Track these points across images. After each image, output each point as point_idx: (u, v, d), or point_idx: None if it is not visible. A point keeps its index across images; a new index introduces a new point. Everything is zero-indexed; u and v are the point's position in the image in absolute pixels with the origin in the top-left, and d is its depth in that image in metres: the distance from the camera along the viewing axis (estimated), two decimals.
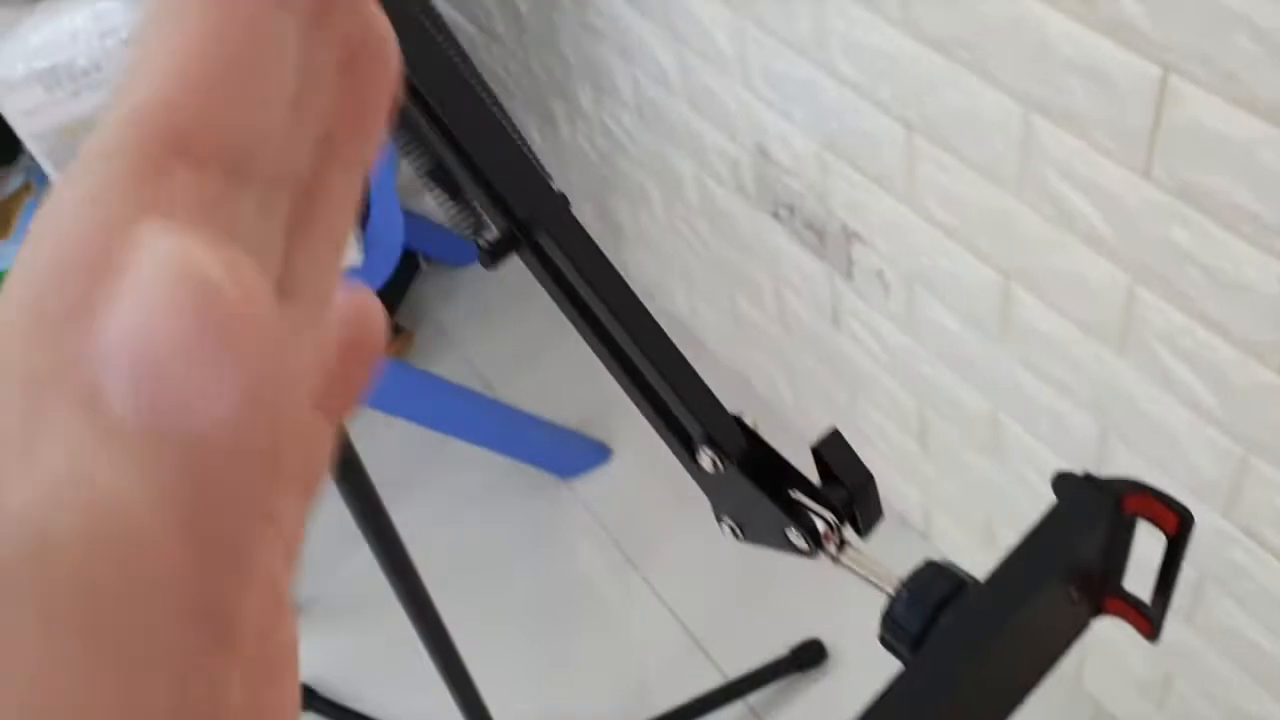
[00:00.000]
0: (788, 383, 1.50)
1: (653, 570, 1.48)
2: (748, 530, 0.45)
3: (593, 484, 1.58)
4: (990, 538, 1.26)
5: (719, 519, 0.46)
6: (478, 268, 1.84)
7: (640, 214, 1.63)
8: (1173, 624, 0.92)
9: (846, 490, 0.42)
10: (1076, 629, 0.43)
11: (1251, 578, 0.93)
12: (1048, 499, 0.41)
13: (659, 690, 1.32)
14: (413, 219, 1.79)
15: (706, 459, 0.43)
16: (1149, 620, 0.44)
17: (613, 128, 1.55)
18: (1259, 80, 0.68)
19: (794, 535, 0.42)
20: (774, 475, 0.43)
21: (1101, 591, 0.43)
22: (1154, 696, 1.14)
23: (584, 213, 1.80)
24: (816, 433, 1.38)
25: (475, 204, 0.45)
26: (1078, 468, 1.05)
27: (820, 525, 0.42)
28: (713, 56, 1.22)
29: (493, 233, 0.44)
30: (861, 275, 1.19)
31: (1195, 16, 0.69)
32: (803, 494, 0.43)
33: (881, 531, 1.33)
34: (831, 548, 0.42)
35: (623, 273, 1.40)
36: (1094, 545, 0.40)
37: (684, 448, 0.44)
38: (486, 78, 1.77)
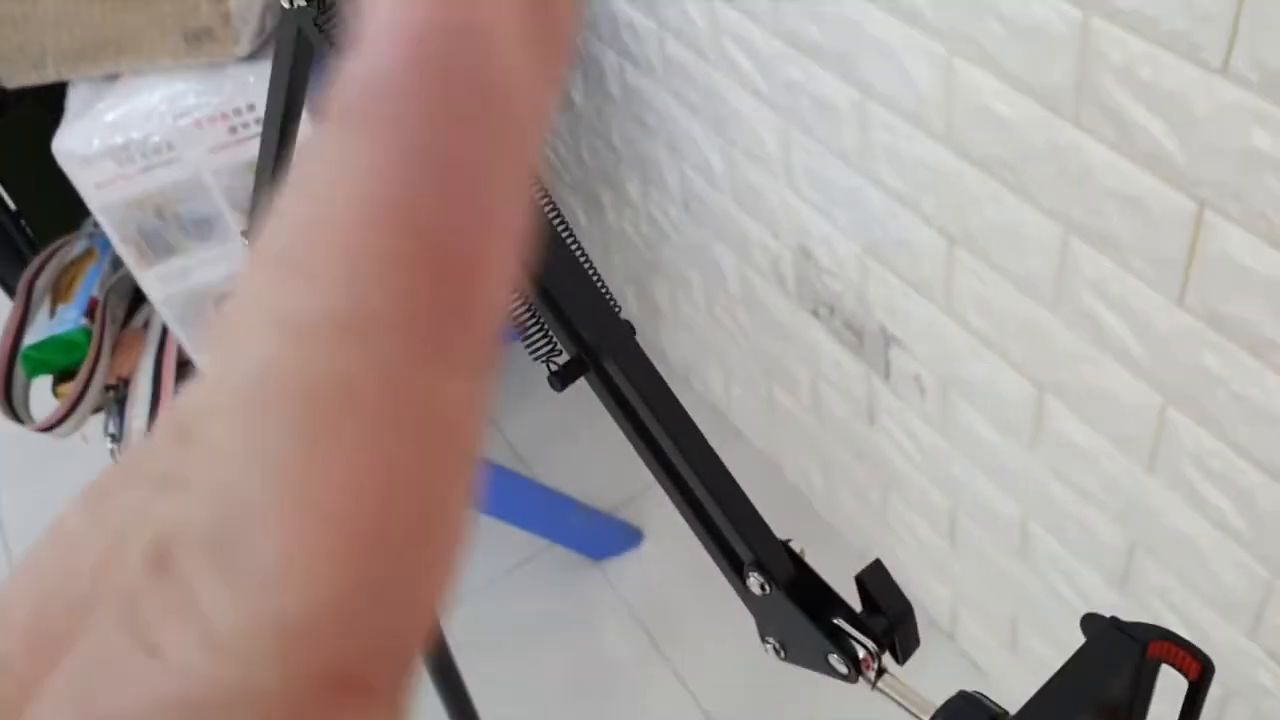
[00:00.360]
0: (820, 474, 1.52)
1: (679, 657, 1.49)
2: (790, 651, 0.47)
3: (623, 567, 1.60)
4: (1014, 641, 1.26)
5: (763, 639, 0.48)
6: (515, 348, 1.88)
7: (680, 299, 1.66)
8: None
9: (887, 619, 0.44)
10: None
11: (1276, 698, 0.93)
12: (1073, 606, 0.43)
13: None
14: None
15: (755, 582, 0.45)
16: None
17: (658, 217, 1.59)
18: None
19: (836, 661, 0.44)
20: (819, 601, 0.45)
21: None
22: None
23: (625, 295, 1.84)
24: (848, 524, 1.40)
25: (549, 329, 0.48)
26: (1105, 578, 1.06)
27: (861, 652, 0.44)
28: (759, 157, 1.25)
29: (563, 357, 0.48)
30: (898, 377, 1.21)
31: (1228, 156, 0.72)
32: (845, 621, 0.45)
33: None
34: (870, 674, 0.44)
35: (661, 355, 1.44)
36: (1119, 687, 0.41)
37: (734, 570, 0.46)
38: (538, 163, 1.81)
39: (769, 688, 1.43)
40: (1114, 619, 0.42)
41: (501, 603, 1.58)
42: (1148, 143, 0.77)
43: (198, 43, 1.18)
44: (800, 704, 1.37)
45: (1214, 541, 0.91)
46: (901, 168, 1.03)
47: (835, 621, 0.45)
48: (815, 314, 1.31)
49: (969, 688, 0.43)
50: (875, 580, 0.44)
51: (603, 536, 1.62)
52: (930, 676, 0.47)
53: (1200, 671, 0.41)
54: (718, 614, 1.50)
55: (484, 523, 1.55)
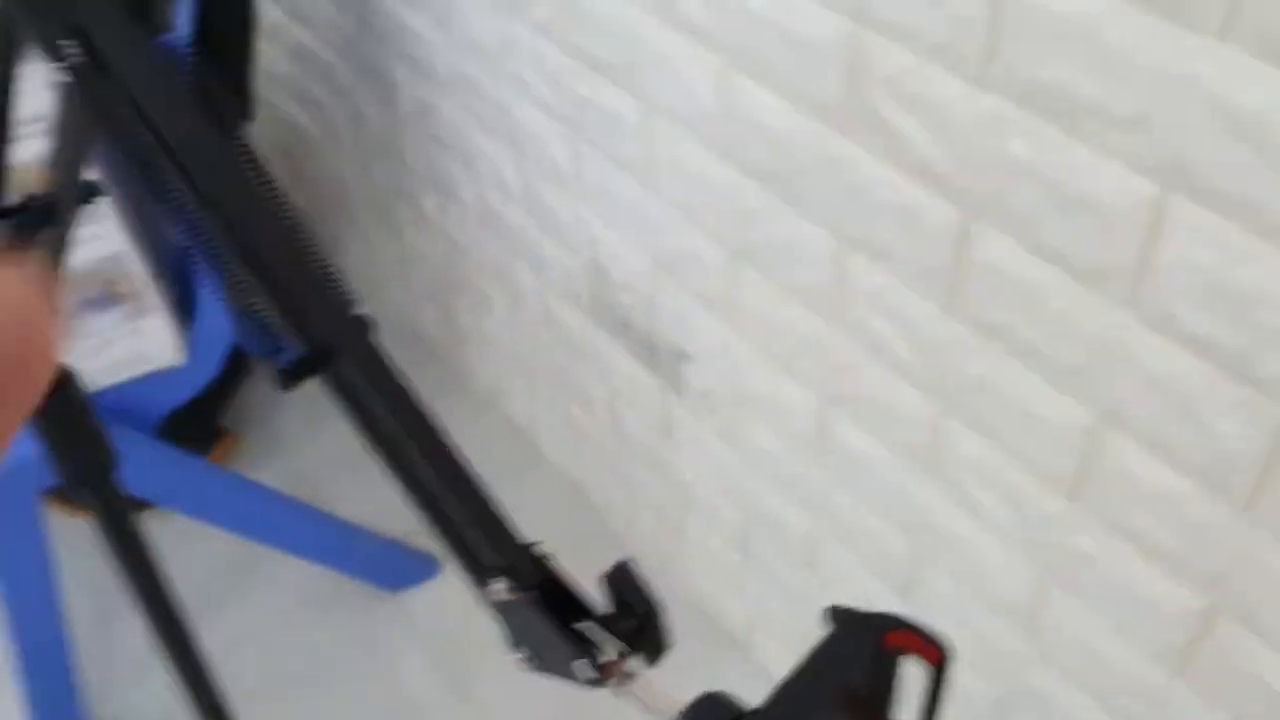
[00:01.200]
0: (622, 494, 1.51)
1: (479, 690, 1.45)
2: (542, 660, 0.45)
3: (420, 598, 1.55)
4: None
5: (515, 648, 0.46)
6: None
7: (483, 318, 1.63)
8: None
9: (636, 620, 0.42)
10: None
11: (1050, 701, 0.96)
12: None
13: None
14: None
15: (500, 588, 0.43)
16: None
17: (455, 234, 1.56)
18: (1048, 230, 0.72)
19: (580, 667, 0.42)
20: (563, 607, 0.43)
21: None
22: None
23: (426, 314, 1.79)
24: (649, 544, 1.39)
25: (275, 324, 0.44)
26: (891, 587, 1.07)
27: (605, 657, 0.42)
28: (550, 172, 1.24)
29: (291, 355, 0.44)
30: (691, 392, 1.21)
31: (992, 168, 0.74)
32: (592, 625, 0.43)
33: (703, 645, 1.34)
34: (614, 680, 0.43)
35: (467, 377, 1.39)
36: (861, 677, 0.41)
37: (475, 576, 0.44)
38: (326, 179, 1.76)
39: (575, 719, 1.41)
40: (850, 609, 0.42)
41: (287, 643, 1.51)
42: (916, 153, 0.78)
43: None
44: None
45: (990, 545, 0.93)
46: (685, 181, 1.03)
47: (579, 626, 0.43)
48: (610, 330, 1.30)
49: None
50: (621, 580, 0.43)
51: (397, 566, 1.56)
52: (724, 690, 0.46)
53: (939, 658, 0.41)
54: None
55: (270, 557, 1.48)
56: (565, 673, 0.44)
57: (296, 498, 1.56)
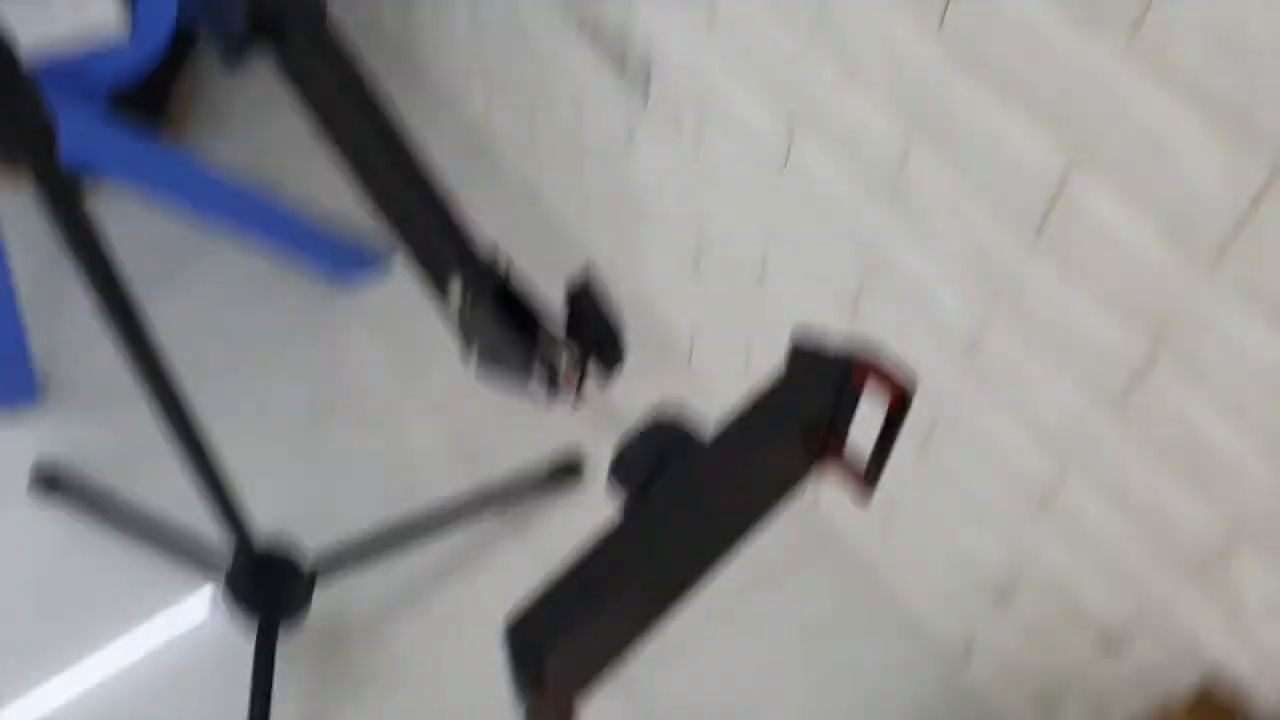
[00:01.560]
0: (576, 201, 1.50)
1: (425, 379, 1.48)
2: (494, 369, 0.45)
3: (369, 292, 1.55)
4: (747, 365, 1.32)
5: (465, 354, 0.46)
6: (257, 64, 1.73)
7: (443, 15, 1.56)
8: (904, 461, 0.99)
9: (593, 334, 0.42)
10: (796, 483, 0.45)
11: (984, 433, 1.00)
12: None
13: (422, 496, 1.34)
14: None
15: (458, 289, 0.43)
16: (865, 481, 0.46)
17: None
18: None
19: (536, 372, 0.43)
20: (522, 314, 0.43)
21: (824, 450, 0.45)
22: (880, 526, 1.24)
23: (383, 8, 1.71)
24: (600, 254, 1.39)
25: None
26: (837, 308, 1.09)
27: (559, 367, 0.42)
28: None
29: (235, 23, 0.41)
30: (657, 105, 1.18)
31: None
32: (548, 334, 0.43)
33: (648, 353, 1.36)
34: (566, 391, 0.43)
35: (423, 77, 1.35)
36: (819, 410, 0.42)
37: (436, 279, 0.43)
38: None
39: (517, 411, 1.45)
40: (818, 344, 0.42)
41: (234, 325, 1.51)
42: None
43: None
44: (549, 430, 1.39)
45: (939, 279, 0.95)
46: None
47: (537, 335, 0.42)
48: (580, 33, 1.25)
49: (701, 409, 0.42)
50: (583, 294, 0.42)
51: (347, 258, 1.55)
52: (664, 396, 0.47)
53: (900, 399, 0.41)
54: None
55: (214, 240, 1.46)
56: (518, 383, 0.44)
57: (246, 179, 1.53)
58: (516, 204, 1.60)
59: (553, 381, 0.42)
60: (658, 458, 0.39)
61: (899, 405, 0.42)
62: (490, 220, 1.59)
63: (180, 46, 1.68)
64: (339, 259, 1.54)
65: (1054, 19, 0.72)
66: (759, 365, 1.29)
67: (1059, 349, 0.87)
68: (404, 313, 1.52)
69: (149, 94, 1.63)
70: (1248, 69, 0.63)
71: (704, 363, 1.42)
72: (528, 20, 1.34)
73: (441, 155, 1.59)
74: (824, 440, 0.44)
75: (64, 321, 1.49)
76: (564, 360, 0.42)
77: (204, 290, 1.52)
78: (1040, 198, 0.81)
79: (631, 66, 1.18)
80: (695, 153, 1.17)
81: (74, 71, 1.16)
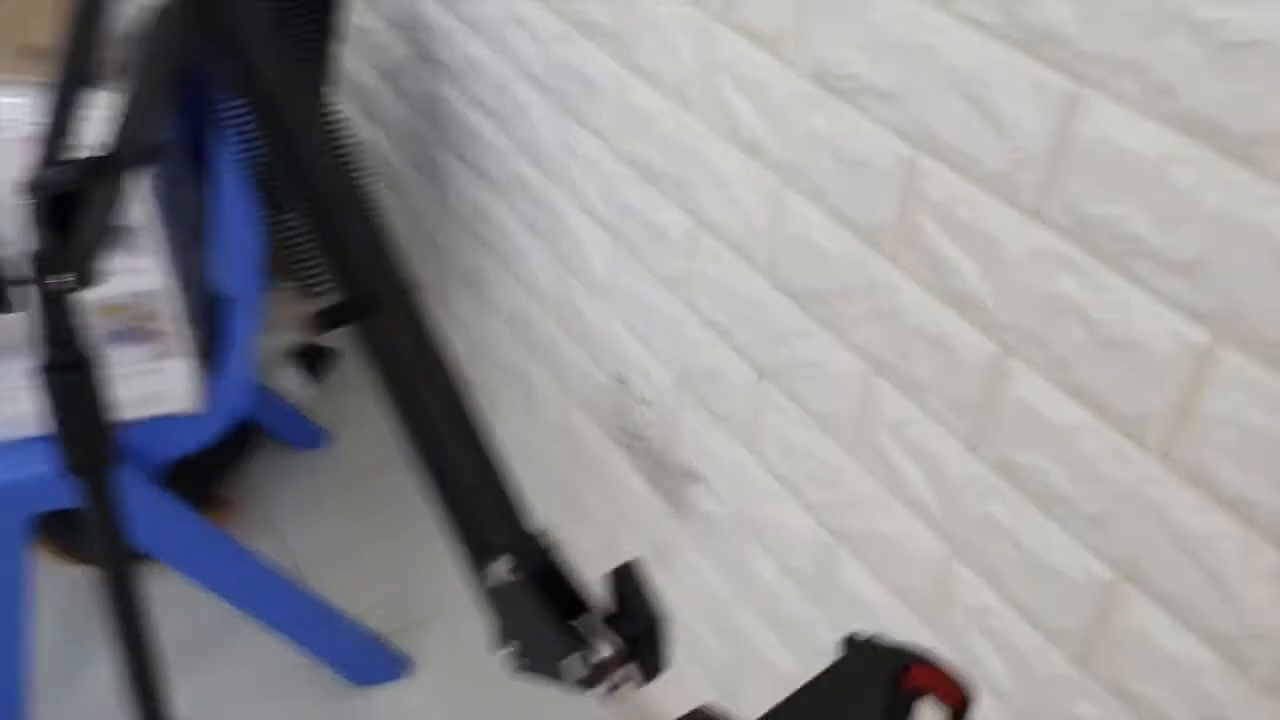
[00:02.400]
0: None
1: None
2: (529, 657, 0.42)
3: (388, 697, 1.50)
4: None
5: (504, 644, 0.43)
6: (318, 454, 1.80)
7: (498, 426, 1.62)
8: None
9: (637, 625, 0.40)
10: None
11: None
12: None
13: None
14: (264, 393, 1.75)
15: (501, 569, 0.41)
16: None
17: (477, 331, 1.56)
18: (1086, 369, 0.72)
19: (572, 665, 0.40)
20: (565, 598, 0.41)
21: None
22: None
23: None
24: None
25: (327, 266, 0.44)
26: None
27: (601, 655, 0.40)
28: (587, 277, 1.25)
29: (336, 299, 0.44)
30: (695, 515, 1.19)
31: (1031, 302, 0.73)
32: (592, 620, 0.41)
33: None
34: (608, 684, 0.40)
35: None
36: (869, 713, 0.38)
37: (475, 555, 0.41)
38: None
39: None
40: (872, 638, 0.40)
41: (249, 712, 1.45)
42: (958, 283, 0.78)
43: (33, 59, 1.12)
44: None
45: (988, 709, 0.89)
46: (721, 299, 1.04)
47: (578, 621, 0.40)
48: (621, 445, 1.29)
49: None
50: (627, 581, 0.40)
51: (369, 661, 1.52)
52: None
53: (961, 700, 0.38)
54: None
55: (248, 630, 1.44)
56: (554, 672, 0.41)
57: (282, 573, 1.53)
58: None
59: (593, 672, 0.39)
60: None
61: (959, 708, 0.38)
62: None
63: (240, 436, 1.74)
64: (361, 661, 1.51)
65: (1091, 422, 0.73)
66: None
67: None
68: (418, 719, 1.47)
69: (201, 476, 1.67)
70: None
71: None
72: (572, 430, 1.38)
73: None
74: None
75: (73, 699, 1.44)
76: (606, 650, 0.40)
77: (222, 678, 1.48)
78: (1084, 612, 0.78)
79: (671, 476, 1.20)
80: (732, 566, 1.15)
81: (135, 438, 1.20)
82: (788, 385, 0.99)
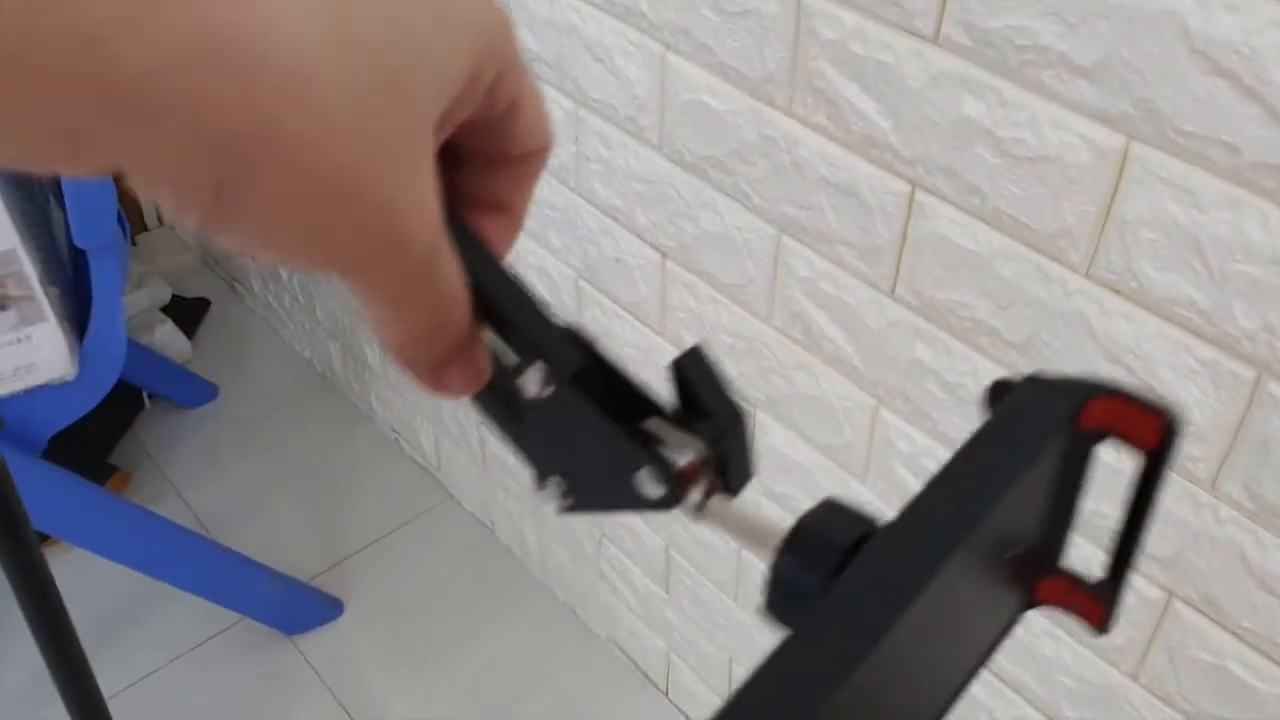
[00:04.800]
0: (533, 530, 1.45)
1: None
2: (580, 491, 0.32)
3: (321, 640, 1.46)
4: (730, 685, 1.22)
5: (542, 484, 0.33)
6: (206, 409, 1.72)
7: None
8: None
9: (714, 422, 0.31)
10: (1007, 613, 0.32)
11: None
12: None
13: None
14: (140, 352, 1.67)
15: (533, 381, 0.31)
16: (1100, 602, 0.32)
17: None
18: (1000, 194, 0.71)
19: (645, 480, 0.30)
20: (619, 397, 0.31)
21: (1039, 563, 0.31)
22: None
23: (330, 351, 1.73)
24: (562, 582, 1.32)
25: None
26: None
27: (682, 459, 0.30)
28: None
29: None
30: None
31: (937, 132, 0.72)
32: (660, 421, 0.31)
33: (621, 686, 1.27)
34: (696, 494, 0.30)
35: (371, 413, 1.32)
36: (1040, 466, 0.28)
37: (498, 383, 0.31)
38: None
39: None
40: (1033, 374, 0.29)
41: (183, 681, 1.41)
42: (861, 124, 0.76)
43: None
44: None
45: None
46: (618, 183, 1.00)
47: (644, 426, 0.31)
48: None
49: None
50: (696, 370, 0.31)
51: (298, 608, 1.48)
52: None
53: (1160, 435, 0.28)
54: (422, 688, 1.39)
55: (166, 594, 1.39)
56: (616, 499, 0.31)
57: (194, 533, 1.47)
58: (472, 541, 1.55)
59: (673, 485, 0.30)
60: (840, 554, 0.27)
61: (1158, 447, 0.29)
62: (446, 555, 1.52)
63: (123, 399, 1.66)
64: (289, 609, 1.46)
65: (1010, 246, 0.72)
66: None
67: None
68: (356, 661, 1.43)
69: (90, 445, 1.59)
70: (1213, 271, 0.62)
71: (683, 693, 1.32)
72: None
73: (391, 494, 1.55)
74: (1038, 547, 0.31)
75: None
76: (687, 455, 0.30)
77: (150, 648, 1.43)
78: None
79: None
80: None
81: (12, 413, 1.13)
82: (694, 261, 0.96)
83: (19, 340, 1.10)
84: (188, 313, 1.87)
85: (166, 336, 1.78)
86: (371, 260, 0.24)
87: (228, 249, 0.21)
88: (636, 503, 0.31)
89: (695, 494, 0.31)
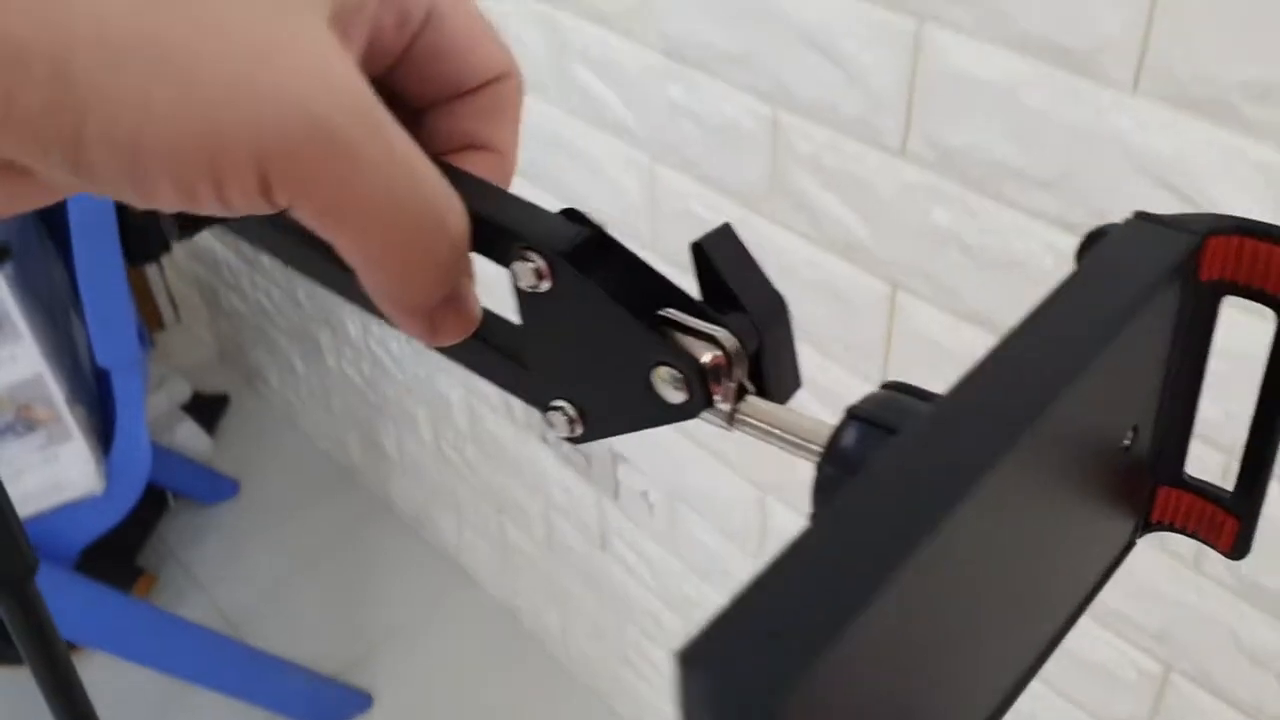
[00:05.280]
0: (556, 613, 1.48)
1: None
2: (589, 409, 0.27)
3: None
4: None
5: (545, 412, 0.28)
6: (228, 505, 1.76)
7: (407, 441, 1.60)
8: None
9: (748, 313, 0.25)
10: (1118, 537, 0.25)
11: None
12: None
13: None
14: (162, 453, 1.71)
15: (526, 271, 0.25)
16: (1233, 520, 0.24)
17: (380, 354, 1.54)
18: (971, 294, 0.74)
19: (664, 381, 0.25)
20: (631, 282, 0.25)
21: (1153, 469, 0.25)
22: None
23: (349, 442, 1.76)
24: (586, 666, 1.35)
25: None
26: None
27: (707, 355, 0.25)
28: (479, 280, 1.24)
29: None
30: (627, 495, 1.20)
31: (914, 236, 0.75)
32: (679, 312, 0.26)
33: None
34: (729, 397, 0.25)
35: (390, 503, 1.35)
36: (1156, 319, 0.22)
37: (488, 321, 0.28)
38: (250, 306, 1.73)
39: None
40: (1141, 214, 0.23)
41: None
42: (837, 230, 0.80)
43: None
44: None
45: None
46: None
47: (663, 313, 0.26)
48: (544, 440, 1.29)
49: None
50: (725, 252, 0.25)
51: (327, 702, 1.50)
52: None
53: None
54: None
55: (193, 694, 1.41)
56: (633, 415, 0.26)
57: (220, 633, 1.50)
58: (496, 627, 1.57)
59: (696, 382, 0.25)
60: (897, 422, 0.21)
61: None
62: (468, 641, 1.54)
63: (146, 502, 1.70)
64: (318, 704, 1.49)
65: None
66: None
67: None
68: None
69: (118, 553, 1.63)
70: None
71: None
72: (490, 436, 1.38)
73: (414, 583, 1.57)
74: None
75: None
76: (710, 349, 0.25)
77: None
78: None
79: (598, 461, 1.21)
80: (672, 537, 1.17)
81: (44, 531, 1.16)
82: None
83: (47, 460, 1.14)
84: (207, 409, 1.91)
85: (188, 437, 1.82)
86: (285, 158, 0.20)
87: (117, 194, 0.20)
88: (656, 413, 0.26)
89: (725, 399, 0.26)
